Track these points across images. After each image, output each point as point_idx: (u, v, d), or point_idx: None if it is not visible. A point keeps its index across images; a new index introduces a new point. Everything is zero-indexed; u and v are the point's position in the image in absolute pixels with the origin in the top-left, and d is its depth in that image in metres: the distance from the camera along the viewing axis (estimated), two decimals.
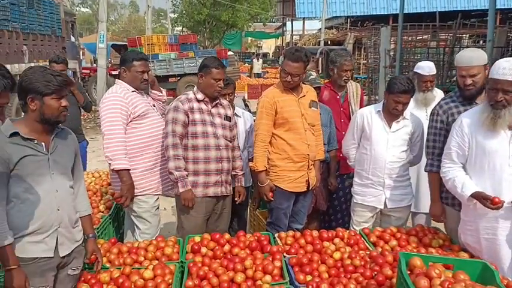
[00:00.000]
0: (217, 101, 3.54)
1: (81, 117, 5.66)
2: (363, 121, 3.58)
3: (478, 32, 15.81)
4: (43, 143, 2.39)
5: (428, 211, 3.47)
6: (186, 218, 3.48)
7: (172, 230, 4.44)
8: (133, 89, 3.50)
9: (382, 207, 3.57)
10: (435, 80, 4.29)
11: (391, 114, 3.49)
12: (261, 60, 25.15)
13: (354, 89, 4.42)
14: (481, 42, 15.90)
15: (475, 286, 1.85)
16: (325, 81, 5.10)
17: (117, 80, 3.61)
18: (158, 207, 3.69)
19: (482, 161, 2.77)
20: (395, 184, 3.52)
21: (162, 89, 3.96)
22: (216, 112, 3.52)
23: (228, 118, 3.57)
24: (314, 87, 3.87)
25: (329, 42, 21.54)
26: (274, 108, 3.51)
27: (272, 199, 3.62)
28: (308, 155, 3.57)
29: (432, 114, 3.29)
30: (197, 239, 3.28)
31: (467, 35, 16.72)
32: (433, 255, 2.71)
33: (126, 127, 3.42)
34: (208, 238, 3.26)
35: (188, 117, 3.39)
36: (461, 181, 2.81)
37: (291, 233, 3.38)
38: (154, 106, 3.67)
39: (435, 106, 3.32)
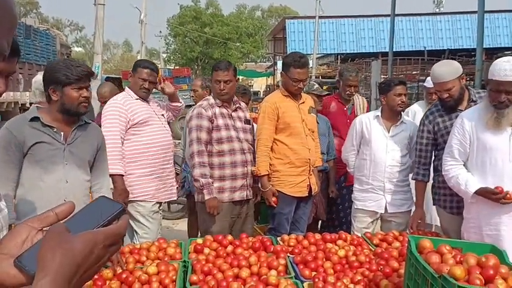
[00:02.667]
0: (237, 105, 3.61)
1: None
2: (362, 127, 3.66)
3: (464, 69, 16.29)
4: (62, 133, 2.41)
5: (437, 223, 3.54)
6: (213, 222, 3.45)
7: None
8: (138, 97, 3.55)
9: (382, 211, 3.60)
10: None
11: (390, 119, 3.57)
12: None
13: (360, 102, 4.53)
14: (467, 79, 16.32)
15: (488, 257, 1.86)
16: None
17: (126, 87, 3.69)
18: (157, 213, 3.67)
19: (484, 157, 2.83)
20: (396, 189, 3.56)
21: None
22: (237, 116, 3.59)
23: (247, 121, 3.64)
24: (318, 96, 4.01)
25: (320, 77, 21.99)
26: (276, 113, 3.57)
27: (275, 204, 3.62)
28: (309, 159, 3.62)
29: (420, 124, 3.39)
30: (199, 241, 3.25)
31: None
32: (442, 238, 2.72)
33: (125, 133, 3.46)
34: (210, 239, 3.23)
35: (212, 123, 3.43)
36: (465, 178, 2.86)
37: (293, 235, 3.36)
38: (162, 115, 3.70)
39: (422, 116, 3.43)
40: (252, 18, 42.25)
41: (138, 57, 34.61)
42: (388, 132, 3.57)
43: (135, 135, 3.50)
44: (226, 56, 34.51)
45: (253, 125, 4.00)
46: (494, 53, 22.28)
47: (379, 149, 3.55)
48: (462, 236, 3.05)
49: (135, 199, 3.49)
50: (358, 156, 3.73)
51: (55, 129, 2.38)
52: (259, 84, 51.85)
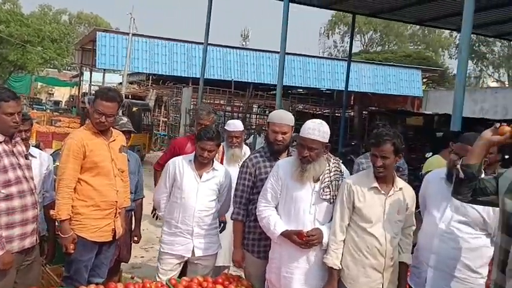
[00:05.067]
0: (16, 139, 3.06)
1: None
2: (175, 170, 3.61)
3: (265, 103, 17.90)
4: None
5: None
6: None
7: None
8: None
9: (190, 255, 3.58)
10: (242, 137, 4.67)
11: (201, 164, 3.60)
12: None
13: None
14: (267, 112, 17.93)
15: None
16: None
17: None
18: None
19: (290, 206, 3.08)
20: (204, 233, 3.59)
21: None
22: (17, 151, 3.01)
23: (27, 156, 3.12)
24: (123, 131, 3.78)
25: (130, 97, 21.40)
26: (83, 152, 3.25)
27: (73, 251, 3.26)
28: (116, 202, 3.39)
29: (242, 166, 3.51)
30: None
31: (257, 104, 18.72)
32: None
33: None
34: None
35: None
36: (274, 220, 3.07)
37: (93, 286, 3.08)
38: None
39: (245, 159, 3.58)
40: (58, 23, 38.85)
41: None
42: (200, 177, 3.59)
43: None
44: (24, 60, 30.83)
45: None
46: (289, 90, 25.08)
47: (190, 193, 3.54)
48: (266, 275, 3.24)
49: None
50: (170, 198, 3.66)
51: None
52: (61, 93, 47.91)
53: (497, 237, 2.44)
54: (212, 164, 3.65)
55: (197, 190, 3.55)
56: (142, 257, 5.98)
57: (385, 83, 27.47)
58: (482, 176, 2.57)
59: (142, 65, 23.01)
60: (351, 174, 3.43)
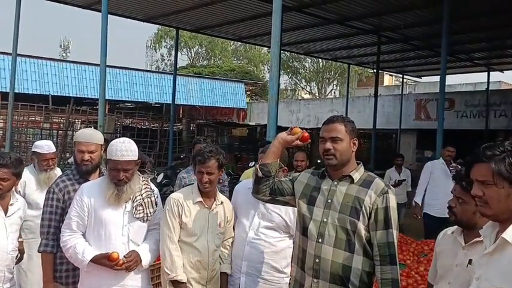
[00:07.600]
0: None
1: None
2: None
3: (89, 119, 16.85)
4: None
5: None
6: None
7: None
8: None
9: None
10: (56, 158, 4.31)
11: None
12: None
13: None
14: (93, 127, 16.93)
15: None
16: None
17: None
18: None
19: (100, 230, 2.92)
20: (11, 276, 3.15)
21: None
22: None
23: None
24: None
25: None
26: None
27: None
28: None
29: (48, 192, 3.22)
30: None
31: (80, 120, 17.56)
32: None
33: None
34: None
35: None
36: (82, 248, 2.88)
37: None
38: None
39: (52, 184, 3.29)
40: None
41: None
42: (6, 213, 3.11)
43: None
44: None
45: None
46: (116, 104, 24.13)
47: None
48: None
49: None
50: None
51: None
52: None
53: (296, 236, 2.69)
54: (12, 194, 3.20)
55: (5, 228, 3.07)
56: None
57: (212, 96, 28.44)
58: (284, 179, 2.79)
59: None
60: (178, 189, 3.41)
